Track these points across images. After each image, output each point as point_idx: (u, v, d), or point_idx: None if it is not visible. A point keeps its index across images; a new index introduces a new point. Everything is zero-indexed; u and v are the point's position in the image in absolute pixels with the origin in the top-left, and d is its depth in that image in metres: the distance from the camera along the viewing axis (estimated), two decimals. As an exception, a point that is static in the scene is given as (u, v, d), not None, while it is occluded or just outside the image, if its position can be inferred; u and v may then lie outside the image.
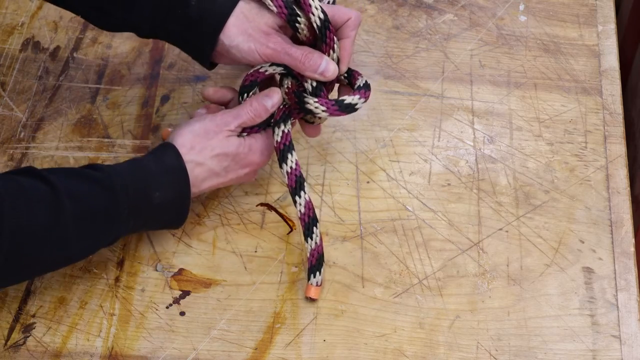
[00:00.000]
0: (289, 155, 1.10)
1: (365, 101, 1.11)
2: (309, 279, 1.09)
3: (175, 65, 1.30)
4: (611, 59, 1.28)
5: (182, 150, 1.06)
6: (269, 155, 1.13)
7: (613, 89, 1.26)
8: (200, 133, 1.08)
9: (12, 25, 1.35)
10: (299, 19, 1.08)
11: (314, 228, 1.09)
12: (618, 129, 1.22)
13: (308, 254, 1.09)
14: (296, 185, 1.10)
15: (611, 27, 1.32)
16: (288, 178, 1.10)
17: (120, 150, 1.22)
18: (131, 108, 1.26)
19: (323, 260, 1.10)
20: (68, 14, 1.35)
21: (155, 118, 1.25)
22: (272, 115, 1.12)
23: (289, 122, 1.11)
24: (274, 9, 1.09)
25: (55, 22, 1.35)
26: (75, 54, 1.31)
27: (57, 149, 1.22)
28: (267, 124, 1.12)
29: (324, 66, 1.09)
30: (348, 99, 1.10)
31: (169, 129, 1.21)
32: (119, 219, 1.03)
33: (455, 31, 1.32)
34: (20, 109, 1.26)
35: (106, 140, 1.23)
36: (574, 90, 1.25)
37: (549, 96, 1.25)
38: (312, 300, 1.09)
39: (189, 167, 1.06)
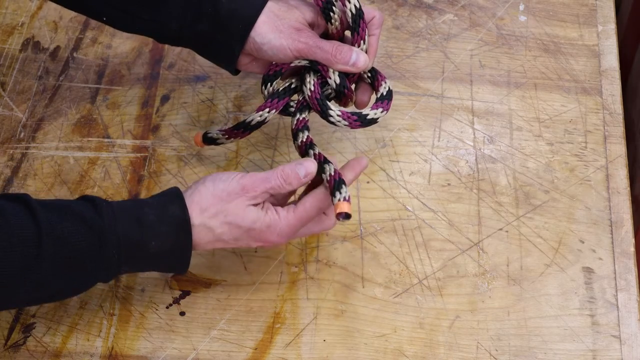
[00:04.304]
0: (311, 150, 1.08)
1: (386, 113, 1.11)
2: (334, 195, 1.00)
3: (175, 65, 1.30)
4: (611, 59, 1.28)
5: (195, 212, 1.00)
6: (288, 238, 1.03)
7: (613, 89, 1.26)
8: (220, 194, 1.01)
9: (12, 25, 1.35)
10: (334, 8, 1.09)
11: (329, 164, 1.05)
12: (618, 129, 1.22)
13: (327, 179, 1.02)
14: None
15: (611, 27, 1.32)
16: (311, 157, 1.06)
17: (120, 150, 1.22)
18: (131, 108, 1.26)
19: (344, 182, 1.02)
20: (68, 14, 1.35)
21: (155, 118, 1.25)
22: (288, 105, 1.12)
23: (307, 112, 1.11)
24: None
25: (55, 22, 1.35)
26: (75, 54, 1.31)
27: (57, 149, 1.22)
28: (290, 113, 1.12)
29: (355, 57, 1.09)
30: (371, 113, 1.10)
31: (201, 135, 1.15)
32: (106, 264, 0.98)
33: (455, 31, 1.32)
34: (20, 109, 1.26)
35: (106, 140, 1.23)
36: (574, 90, 1.25)
37: (549, 96, 1.25)
38: (347, 217, 0.98)
39: (197, 229, 1.00)
